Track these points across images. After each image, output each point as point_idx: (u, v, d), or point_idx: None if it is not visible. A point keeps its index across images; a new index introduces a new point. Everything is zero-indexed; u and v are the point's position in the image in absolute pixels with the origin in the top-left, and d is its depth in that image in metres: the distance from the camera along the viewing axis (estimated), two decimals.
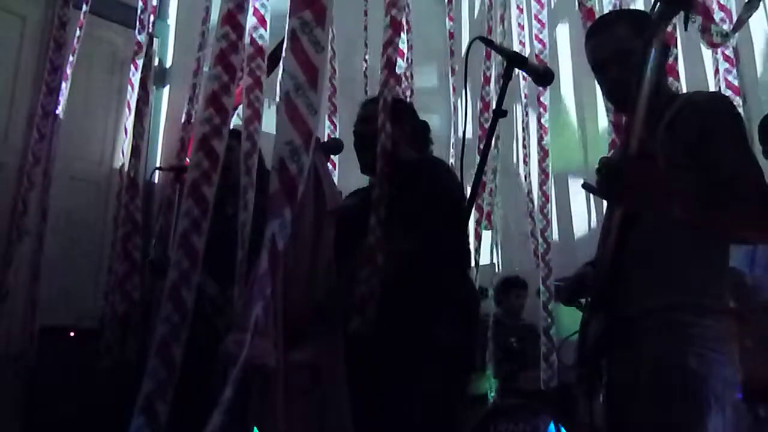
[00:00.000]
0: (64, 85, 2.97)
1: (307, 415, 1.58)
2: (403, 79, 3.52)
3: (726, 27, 1.68)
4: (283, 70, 1.60)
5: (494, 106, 1.58)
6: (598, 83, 1.66)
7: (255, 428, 2.11)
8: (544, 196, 3.79)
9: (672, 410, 1.38)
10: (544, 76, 1.66)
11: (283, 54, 1.53)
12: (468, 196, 1.53)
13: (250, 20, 2.31)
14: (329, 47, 4.09)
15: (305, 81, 1.45)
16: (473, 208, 1.57)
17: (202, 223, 1.65)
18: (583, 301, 1.71)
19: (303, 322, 1.77)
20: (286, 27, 1.52)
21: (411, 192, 1.81)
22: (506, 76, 1.60)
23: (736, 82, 2.80)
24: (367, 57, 4.14)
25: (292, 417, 1.63)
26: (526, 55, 2.90)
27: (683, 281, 1.46)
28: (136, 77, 3.27)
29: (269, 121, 2.68)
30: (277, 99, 3.59)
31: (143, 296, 2.41)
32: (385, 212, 1.72)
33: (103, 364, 2.36)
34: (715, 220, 1.36)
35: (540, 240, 3.74)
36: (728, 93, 2.86)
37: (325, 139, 3.18)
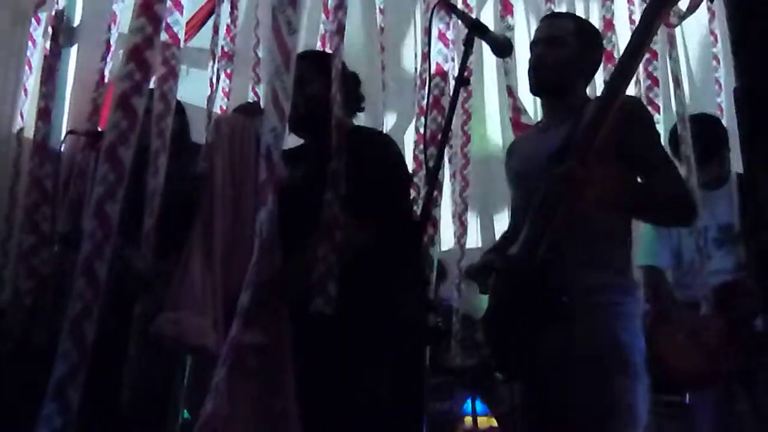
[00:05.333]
0: None
1: (252, 397, 1.49)
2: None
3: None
4: (267, 51, 1.55)
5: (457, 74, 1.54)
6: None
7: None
8: (464, 180, 3.86)
9: (611, 380, 1.54)
10: (503, 47, 1.63)
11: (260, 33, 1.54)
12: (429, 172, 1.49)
13: None
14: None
15: (281, 64, 1.43)
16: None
17: (118, 189, 1.50)
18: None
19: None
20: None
21: (359, 170, 1.73)
22: (468, 44, 1.56)
23: (656, 73, 2.92)
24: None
25: (235, 399, 1.54)
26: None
27: (606, 263, 1.64)
28: (38, 32, 2.98)
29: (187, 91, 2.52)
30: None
31: (53, 272, 2.19)
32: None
33: (4, 348, 2.13)
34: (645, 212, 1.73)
35: (458, 223, 3.82)
36: (647, 82, 3.01)
37: None
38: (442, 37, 2.50)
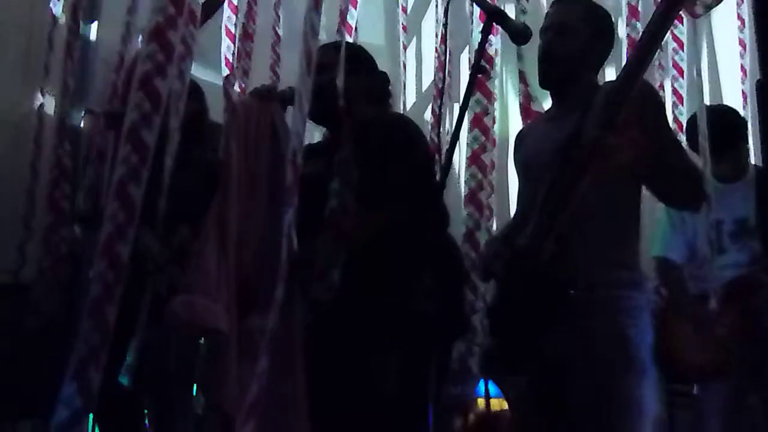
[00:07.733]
0: None
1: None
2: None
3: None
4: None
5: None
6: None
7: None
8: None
9: (618, 378, 1.53)
10: (522, 34, 1.61)
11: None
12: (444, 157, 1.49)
13: None
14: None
15: (305, 67, 1.48)
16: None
17: (141, 171, 1.51)
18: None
19: (257, 287, 1.69)
20: None
21: (375, 155, 1.73)
22: (485, 32, 1.55)
23: (682, 64, 2.87)
24: None
25: (245, 383, 1.57)
26: None
27: (614, 257, 1.61)
28: (57, 7, 2.99)
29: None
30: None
31: (71, 251, 2.23)
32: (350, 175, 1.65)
33: (29, 324, 2.18)
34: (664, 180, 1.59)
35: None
36: (673, 72, 2.95)
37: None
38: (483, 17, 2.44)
